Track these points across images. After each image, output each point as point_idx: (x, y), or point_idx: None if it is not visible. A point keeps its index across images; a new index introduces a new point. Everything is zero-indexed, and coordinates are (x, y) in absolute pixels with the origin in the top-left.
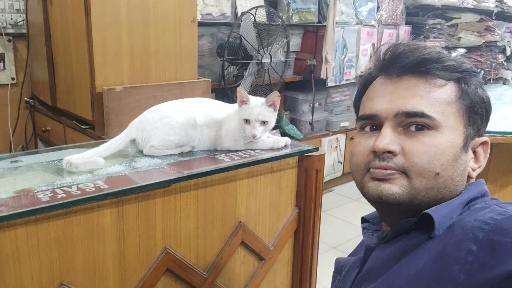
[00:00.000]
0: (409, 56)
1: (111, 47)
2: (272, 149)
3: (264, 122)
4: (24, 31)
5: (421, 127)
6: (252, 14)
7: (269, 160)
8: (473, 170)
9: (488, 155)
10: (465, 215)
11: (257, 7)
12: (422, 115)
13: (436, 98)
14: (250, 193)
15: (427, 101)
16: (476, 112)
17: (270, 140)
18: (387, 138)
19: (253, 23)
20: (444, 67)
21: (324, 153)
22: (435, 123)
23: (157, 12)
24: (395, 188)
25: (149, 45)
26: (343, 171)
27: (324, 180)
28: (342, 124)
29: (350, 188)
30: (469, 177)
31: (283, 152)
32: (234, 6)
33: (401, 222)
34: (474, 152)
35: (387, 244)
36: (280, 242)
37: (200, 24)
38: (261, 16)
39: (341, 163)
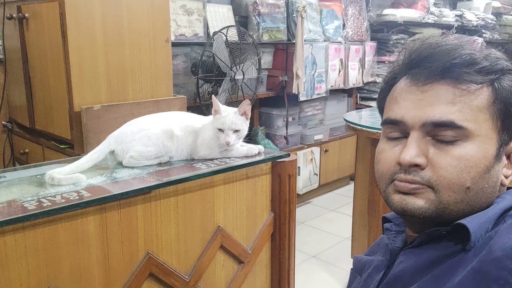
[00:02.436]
0: (437, 60)
1: (88, 67)
2: (247, 157)
3: (237, 131)
4: (1, 56)
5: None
6: (224, 34)
7: (244, 166)
8: (506, 177)
9: None
10: (503, 230)
11: (228, 27)
12: (451, 124)
13: (468, 104)
14: (227, 199)
15: (457, 108)
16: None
17: (244, 148)
18: (413, 151)
19: (225, 42)
20: (476, 71)
21: (296, 159)
22: (466, 133)
23: (132, 33)
24: (421, 202)
25: (125, 64)
26: (319, 183)
27: (301, 193)
28: (316, 137)
29: (327, 199)
30: (501, 184)
31: (257, 158)
32: (206, 27)
33: (431, 230)
34: (508, 157)
35: (414, 249)
36: (258, 245)
37: (174, 44)
38: (233, 35)
39: (316, 175)
